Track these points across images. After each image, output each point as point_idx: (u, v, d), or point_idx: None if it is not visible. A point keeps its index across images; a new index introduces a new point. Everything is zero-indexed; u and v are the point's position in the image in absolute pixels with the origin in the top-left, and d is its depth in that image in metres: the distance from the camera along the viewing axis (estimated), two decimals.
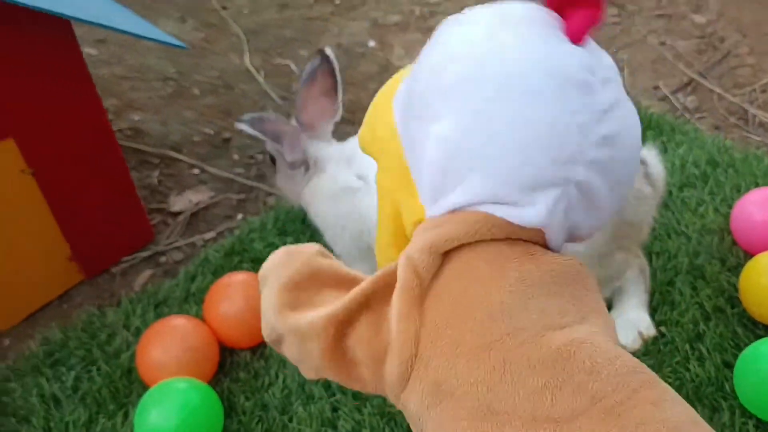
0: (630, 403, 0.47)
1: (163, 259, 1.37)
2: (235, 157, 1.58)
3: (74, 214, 1.24)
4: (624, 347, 0.79)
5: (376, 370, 0.55)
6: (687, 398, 1.05)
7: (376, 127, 0.63)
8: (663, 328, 1.15)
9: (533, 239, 0.54)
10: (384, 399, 1.07)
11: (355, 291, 0.55)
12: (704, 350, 1.12)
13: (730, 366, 1.09)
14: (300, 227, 1.36)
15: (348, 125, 1.39)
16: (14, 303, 1.24)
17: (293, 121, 1.20)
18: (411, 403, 0.53)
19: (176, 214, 1.45)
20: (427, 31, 1.90)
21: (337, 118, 1.20)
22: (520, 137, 0.51)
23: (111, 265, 1.35)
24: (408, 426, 1.05)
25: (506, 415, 0.48)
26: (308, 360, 0.59)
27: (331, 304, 0.56)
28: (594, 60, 0.52)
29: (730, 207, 1.32)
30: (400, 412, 1.05)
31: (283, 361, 1.15)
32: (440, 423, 0.51)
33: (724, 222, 1.32)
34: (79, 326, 1.22)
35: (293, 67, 1.81)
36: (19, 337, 1.23)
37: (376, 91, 0.64)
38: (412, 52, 1.79)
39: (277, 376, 1.13)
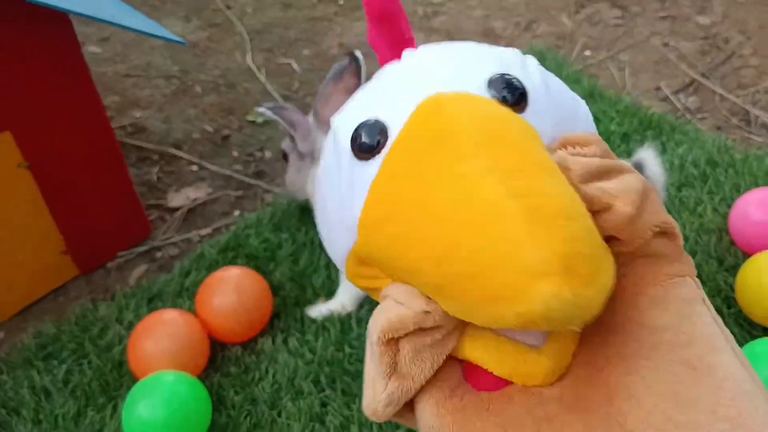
0: None
1: (158, 254, 1.38)
2: (235, 154, 1.59)
3: (70, 208, 1.24)
4: None
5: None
6: None
7: None
8: None
9: None
10: None
11: None
12: None
13: None
14: (296, 224, 1.36)
15: None
16: (8, 296, 1.24)
17: (311, 116, 1.25)
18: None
19: (174, 210, 1.46)
20: (430, 31, 1.90)
21: None
22: None
23: (107, 260, 1.35)
24: (395, 423, 1.05)
25: None
26: None
27: None
28: None
29: (729, 207, 1.31)
30: None
31: (273, 357, 1.15)
32: None
33: (722, 222, 1.31)
34: (72, 320, 1.22)
35: (295, 66, 1.82)
36: (13, 330, 1.24)
37: None
38: None
39: (267, 371, 1.13)
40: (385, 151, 0.51)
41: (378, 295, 0.55)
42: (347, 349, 1.14)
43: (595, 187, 0.48)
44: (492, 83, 0.52)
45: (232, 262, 1.30)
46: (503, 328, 0.46)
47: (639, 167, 1.13)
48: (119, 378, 1.13)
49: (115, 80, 1.82)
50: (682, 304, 0.52)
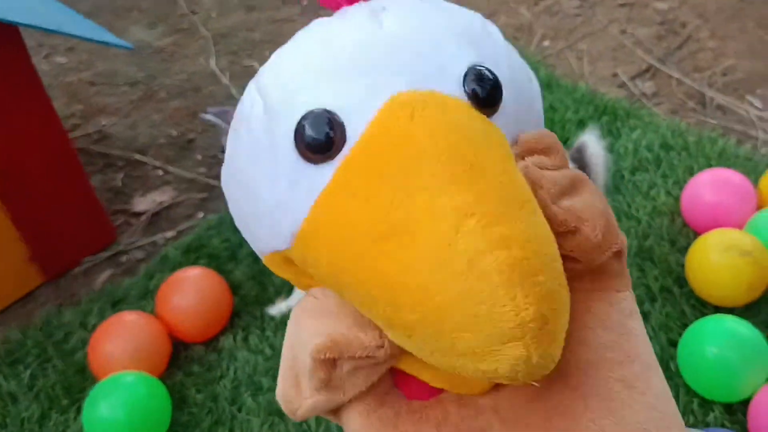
0: None
1: (124, 258, 1.40)
2: (198, 157, 1.61)
3: (32, 217, 1.26)
4: None
5: None
6: None
7: None
8: None
9: None
10: None
11: None
12: (649, 330, 1.13)
13: (676, 345, 1.10)
14: None
15: None
16: None
17: None
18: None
19: (139, 215, 1.48)
20: None
21: None
22: None
23: (73, 266, 1.37)
24: None
25: None
26: None
27: None
28: None
29: (682, 189, 1.33)
30: None
31: (234, 354, 1.17)
32: None
33: (675, 204, 1.33)
34: (37, 326, 1.24)
35: (259, 68, 1.83)
36: None
37: None
38: None
39: (228, 368, 1.15)
40: (342, 155, 0.43)
41: (303, 286, 0.52)
42: None
43: (564, 208, 0.45)
44: (467, 77, 0.45)
45: (195, 262, 1.32)
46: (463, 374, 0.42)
47: (581, 150, 1.15)
48: (83, 381, 1.15)
49: (81, 89, 1.84)
50: (622, 320, 0.52)
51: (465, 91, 0.45)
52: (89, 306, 1.26)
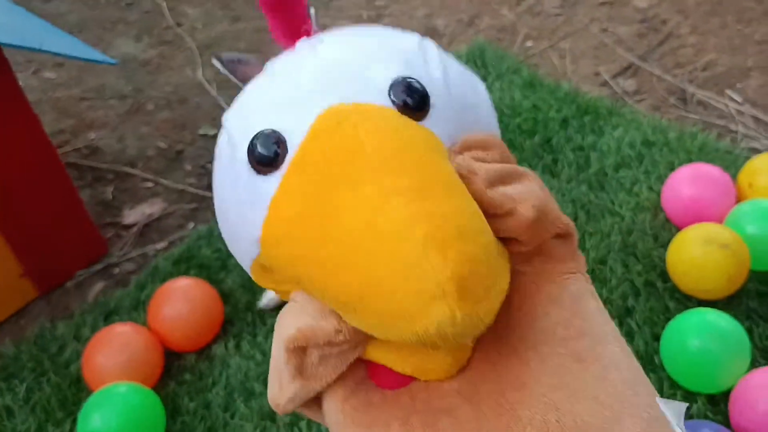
0: None
1: (116, 270, 1.41)
2: (188, 168, 1.62)
3: (23, 233, 1.28)
4: None
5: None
6: None
7: None
8: None
9: None
10: None
11: None
12: (633, 325, 1.15)
13: (659, 339, 1.12)
14: None
15: None
16: None
17: None
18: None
19: (130, 227, 1.49)
20: None
21: None
22: None
23: (66, 280, 1.39)
24: None
25: None
26: None
27: None
28: None
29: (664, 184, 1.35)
30: None
31: (226, 361, 1.18)
32: None
33: (657, 199, 1.35)
34: (31, 340, 1.26)
35: None
36: None
37: None
38: None
39: (220, 376, 1.17)
40: (285, 166, 0.49)
41: (287, 296, 0.57)
42: None
43: (499, 192, 0.49)
44: (393, 88, 0.51)
45: (186, 273, 1.33)
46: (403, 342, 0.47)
47: None
48: (77, 393, 1.16)
49: (70, 104, 1.86)
50: (574, 300, 0.55)
51: (391, 100, 0.50)
52: (82, 318, 1.28)
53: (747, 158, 1.35)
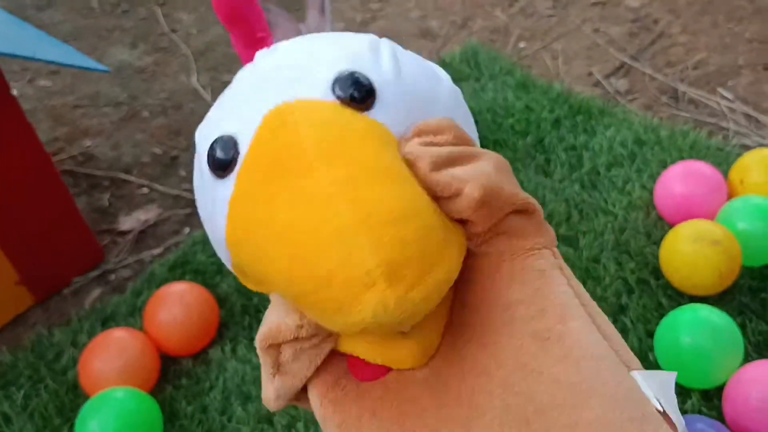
0: None
1: (112, 277, 1.42)
2: (183, 173, 1.63)
3: (19, 241, 1.28)
4: None
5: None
6: None
7: None
8: None
9: None
10: None
11: None
12: (627, 322, 1.16)
13: (653, 336, 1.12)
14: None
15: None
16: None
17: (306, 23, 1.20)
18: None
19: (125, 233, 1.50)
20: None
21: None
22: None
23: (62, 287, 1.39)
24: None
25: None
26: None
27: None
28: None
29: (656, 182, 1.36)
30: None
31: (223, 365, 1.19)
32: None
33: (650, 198, 1.36)
34: (28, 347, 1.26)
35: None
36: None
37: None
38: None
39: (217, 380, 1.17)
40: (237, 168, 0.50)
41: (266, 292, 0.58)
42: None
43: (445, 174, 0.49)
44: (337, 83, 0.51)
45: (182, 278, 1.34)
46: (349, 333, 0.48)
47: None
48: (75, 399, 1.17)
49: (65, 111, 1.86)
50: (537, 277, 0.54)
51: (336, 95, 0.51)
52: (79, 325, 1.29)
53: (738, 155, 1.36)
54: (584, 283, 1.18)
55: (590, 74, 1.73)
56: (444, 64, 1.72)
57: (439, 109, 0.56)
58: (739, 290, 1.17)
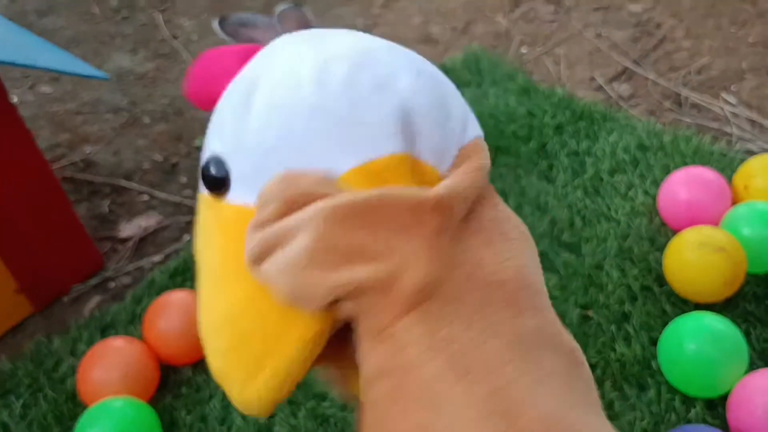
0: None
1: (112, 284, 1.41)
2: (183, 180, 1.62)
3: (18, 248, 1.27)
4: None
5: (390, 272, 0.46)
6: (612, 378, 1.09)
7: None
8: (590, 312, 1.18)
9: None
10: (317, 402, 1.10)
11: None
12: (630, 330, 1.15)
13: (657, 343, 1.11)
14: None
15: None
16: None
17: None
18: (418, 330, 0.46)
19: (125, 241, 1.49)
20: None
21: None
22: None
23: (61, 295, 1.38)
24: (341, 427, 1.08)
25: None
26: None
27: None
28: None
29: (659, 188, 1.35)
30: (333, 414, 1.09)
31: None
32: (463, 357, 0.45)
33: (653, 204, 1.35)
34: (27, 355, 1.25)
35: None
36: None
37: None
38: None
39: (217, 388, 1.16)
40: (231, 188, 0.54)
41: None
42: None
43: (260, 273, 0.47)
44: (202, 176, 0.53)
45: (182, 285, 1.33)
46: None
47: None
48: (73, 408, 1.16)
49: (66, 118, 1.86)
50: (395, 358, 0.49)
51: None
52: (78, 333, 1.28)
53: (742, 160, 1.35)
54: (587, 290, 1.18)
55: (593, 79, 1.72)
56: (446, 70, 1.71)
57: (287, 159, 0.50)
58: (743, 297, 1.16)
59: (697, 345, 1.03)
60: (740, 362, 1.02)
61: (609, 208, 1.35)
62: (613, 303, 1.18)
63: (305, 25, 0.64)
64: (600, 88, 1.69)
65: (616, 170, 1.43)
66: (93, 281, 1.41)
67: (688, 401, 1.06)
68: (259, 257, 0.47)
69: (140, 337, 1.21)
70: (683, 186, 1.27)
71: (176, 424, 1.13)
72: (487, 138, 0.54)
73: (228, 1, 2.26)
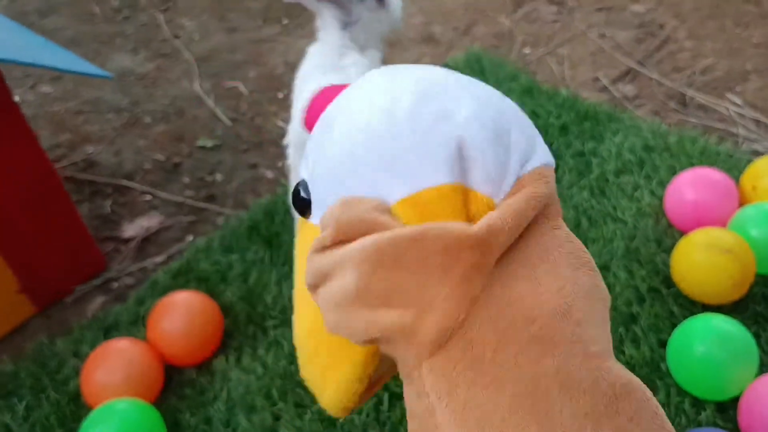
0: None
1: (115, 285, 1.40)
2: (186, 180, 1.61)
3: (20, 249, 1.26)
4: None
5: (415, 317, 0.47)
6: None
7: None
8: None
9: None
10: None
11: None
12: (639, 331, 1.14)
13: (666, 345, 1.10)
14: (245, 244, 1.39)
15: None
16: None
17: None
18: (432, 376, 0.47)
19: (128, 241, 1.48)
20: None
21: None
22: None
23: (64, 296, 1.37)
24: (348, 429, 1.07)
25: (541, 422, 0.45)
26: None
27: None
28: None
29: (665, 189, 1.34)
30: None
31: (227, 375, 1.17)
32: (464, 409, 0.46)
33: (659, 204, 1.34)
34: (29, 356, 1.24)
35: (242, 88, 1.85)
36: None
37: None
38: None
39: (221, 390, 1.15)
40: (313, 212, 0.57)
41: None
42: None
43: (316, 300, 0.52)
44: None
45: (185, 286, 1.32)
46: None
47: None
48: (77, 410, 1.15)
49: (67, 117, 1.85)
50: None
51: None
52: (81, 334, 1.27)
53: (749, 161, 1.34)
54: None
55: (596, 80, 1.72)
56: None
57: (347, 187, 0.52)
58: (753, 299, 1.15)
59: (706, 347, 1.02)
60: (750, 364, 1.02)
61: (615, 209, 1.34)
62: (621, 304, 1.18)
63: None
64: (604, 89, 1.69)
65: (622, 171, 1.42)
66: (95, 282, 1.40)
67: (698, 404, 1.05)
68: (314, 285, 0.51)
69: (144, 339, 1.20)
70: (690, 187, 1.27)
71: (180, 426, 1.11)
72: None
73: (228, 2, 2.25)
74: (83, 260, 1.39)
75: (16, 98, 1.88)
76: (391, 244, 0.46)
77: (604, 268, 1.24)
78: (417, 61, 1.71)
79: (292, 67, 1.89)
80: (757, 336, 1.09)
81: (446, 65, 1.75)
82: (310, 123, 0.64)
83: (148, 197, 1.58)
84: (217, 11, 2.21)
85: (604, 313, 0.51)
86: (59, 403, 1.16)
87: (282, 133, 1.69)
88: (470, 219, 0.48)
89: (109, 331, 1.27)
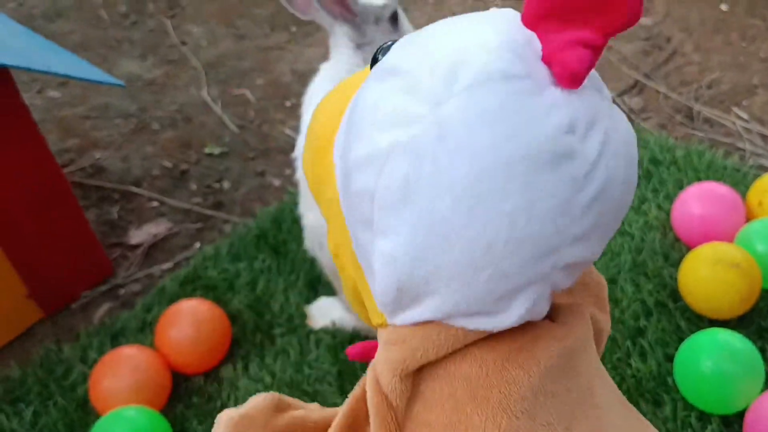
0: None
1: (122, 291, 1.40)
2: (193, 187, 1.62)
3: (28, 254, 1.27)
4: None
5: None
6: (628, 394, 1.08)
7: (320, 179, 0.50)
8: None
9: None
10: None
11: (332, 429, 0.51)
12: (646, 345, 1.14)
13: (672, 359, 1.11)
14: (253, 252, 1.39)
15: None
16: None
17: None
18: None
19: (135, 247, 1.49)
20: None
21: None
22: (486, 249, 0.40)
23: (71, 302, 1.38)
24: None
25: None
26: None
27: None
28: (576, 103, 0.40)
29: (673, 203, 1.34)
30: None
31: (234, 383, 1.17)
32: None
33: (666, 218, 1.34)
34: (37, 362, 1.24)
35: (250, 96, 1.85)
36: None
37: None
38: None
39: (228, 398, 1.16)
40: None
41: None
42: (306, 370, 1.16)
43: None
44: None
45: (193, 294, 1.32)
46: None
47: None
48: (84, 416, 1.15)
49: (74, 123, 1.85)
50: None
51: None
52: (88, 340, 1.27)
53: (756, 176, 1.35)
54: None
55: None
56: None
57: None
58: (759, 314, 1.16)
59: (713, 361, 1.02)
60: (756, 379, 1.02)
61: (622, 222, 1.34)
62: (628, 318, 1.18)
63: None
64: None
65: None
66: (102, 288, 1.40)
67: (705, 418, 1.05)
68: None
69: (150, 345, 1.21)
70: (697, 201, 1.27)
71: None
72: None
73: (236, 9, 2.26)
74: (90, 266, 1.39)
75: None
76: None
77: (611, 282, 1.24)
78: None
79: (300, 75, 1.90)
80: (762, 351, 1.09)
81: None
82: None
83: (156, 204, 1.59)
84: (224, 18, 2.22)
85: None
86: (67, 410, 1.16)
87: (289, 141, 1.70)
88: None
89: (116, 338, 1.28)
